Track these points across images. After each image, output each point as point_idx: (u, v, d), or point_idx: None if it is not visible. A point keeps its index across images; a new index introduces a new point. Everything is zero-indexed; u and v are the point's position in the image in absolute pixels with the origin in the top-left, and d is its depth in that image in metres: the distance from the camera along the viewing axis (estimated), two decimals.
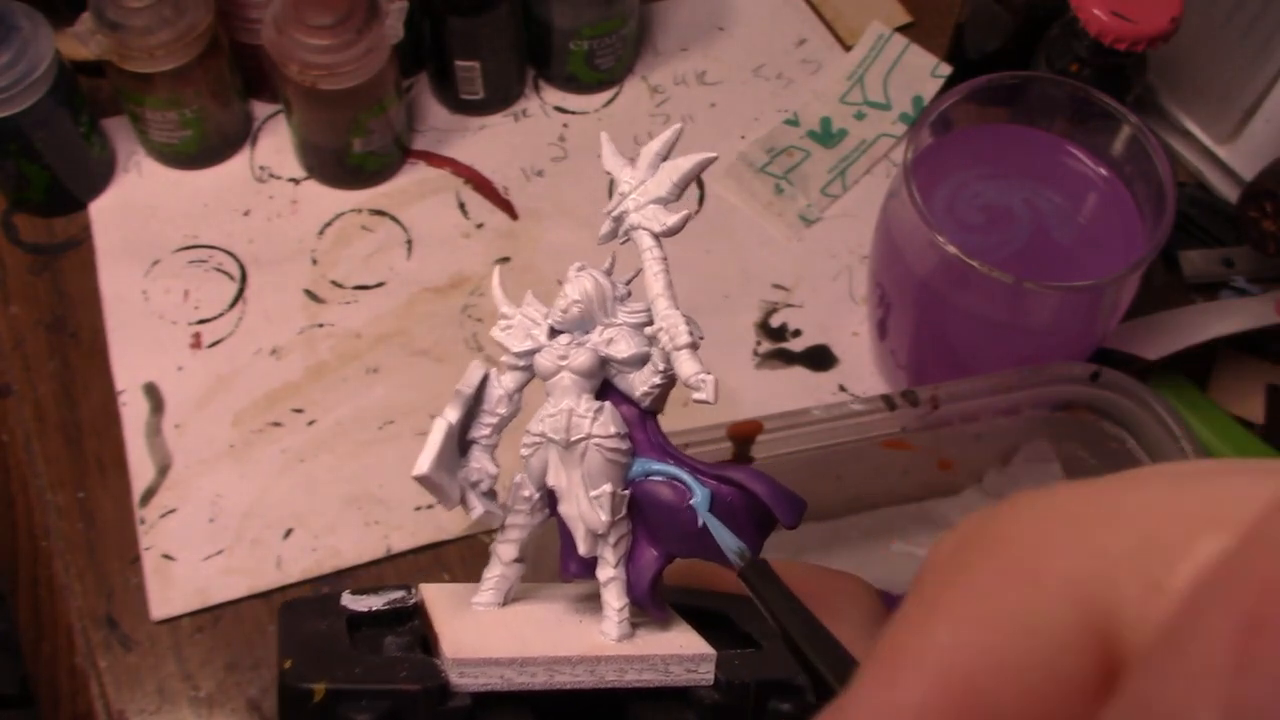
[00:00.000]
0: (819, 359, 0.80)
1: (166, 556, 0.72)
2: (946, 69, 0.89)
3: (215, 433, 0.76)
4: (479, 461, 0.31)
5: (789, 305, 0.82)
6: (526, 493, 0.31)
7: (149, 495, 0.73)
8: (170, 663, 0.69)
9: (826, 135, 0.88)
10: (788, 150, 0.88)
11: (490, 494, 0.32)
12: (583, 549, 0.30)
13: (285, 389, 0.77)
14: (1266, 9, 0.76)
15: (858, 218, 0.84)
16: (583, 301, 0.31)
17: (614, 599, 0.30)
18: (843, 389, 0.79)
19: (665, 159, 0.31)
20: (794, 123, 0.89)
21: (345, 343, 0.79)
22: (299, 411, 0.76)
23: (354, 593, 0.31)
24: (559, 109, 0.90)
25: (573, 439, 0.29)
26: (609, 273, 0.32)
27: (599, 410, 0.30)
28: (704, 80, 0.92)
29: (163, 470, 0.74)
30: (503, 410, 0.32)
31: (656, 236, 0.30)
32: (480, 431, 0.32)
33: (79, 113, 0.80)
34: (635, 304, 0.31)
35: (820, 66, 0.92)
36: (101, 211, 0.84)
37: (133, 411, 0.76)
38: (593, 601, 0.31)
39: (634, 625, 0.30)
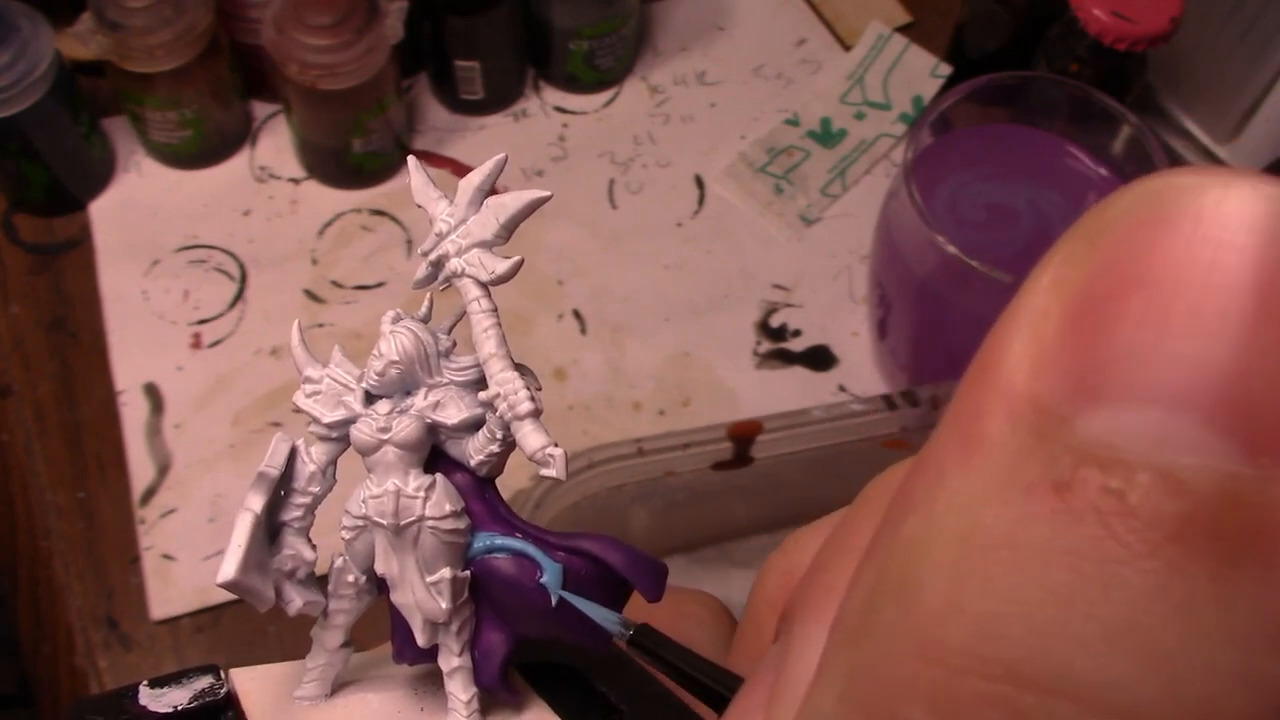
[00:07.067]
0: (819, 359, 0.80)
1: (166, 556, 0.72)
2: (946, 69, 0.89)
3: (215, 433, 0.76)
4: (293, 547, 0.27)
5: (789, 305, 0.82)
6: (351, 577, 0.27)
7: (149, 495, 0.73)
8: (170, 663, 0.69)
9: (826, 135, 0.88)
10: (788, 150, 0.88)
11: (309, 579, 0.28)
12: (422, 640, 0.26)
13: (285, 389, 0.77)
14: (1266, 9, 0.76)
15: (858, 218, 0.84)
16: (402, 362, 0.27)
17: (460, 690, 0.27)
18: (843, 389, 0.79)
19: (489, 194, 0.26)
20: (794, 123, 0.89)
21: (345, 343, 0.79)
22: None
23: (153, 685, 0.27)
24: (559, 109, 0.90)
25: (403, 523, 0.26)
26: (426, 320, 0.28)
27: (430, 487, 0.26)
28: (704, 80, 0.92)
29: (163, 470, 0.74)
30: (315, 488, 0.28)
31: (484, 286, 0.26)
32: (291, 514, 0.28)
33: (79, 113, 0.80)
34: (462, 358, 0.27)
35: (820, 66, 0.92)
36: (101, 211, 0.84)
37: (133, 411, 0.76)
38: (434, 684, 0.28)
39: (484, 714, 0.27)
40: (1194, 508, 0.12)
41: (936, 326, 0.72)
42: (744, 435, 0.62)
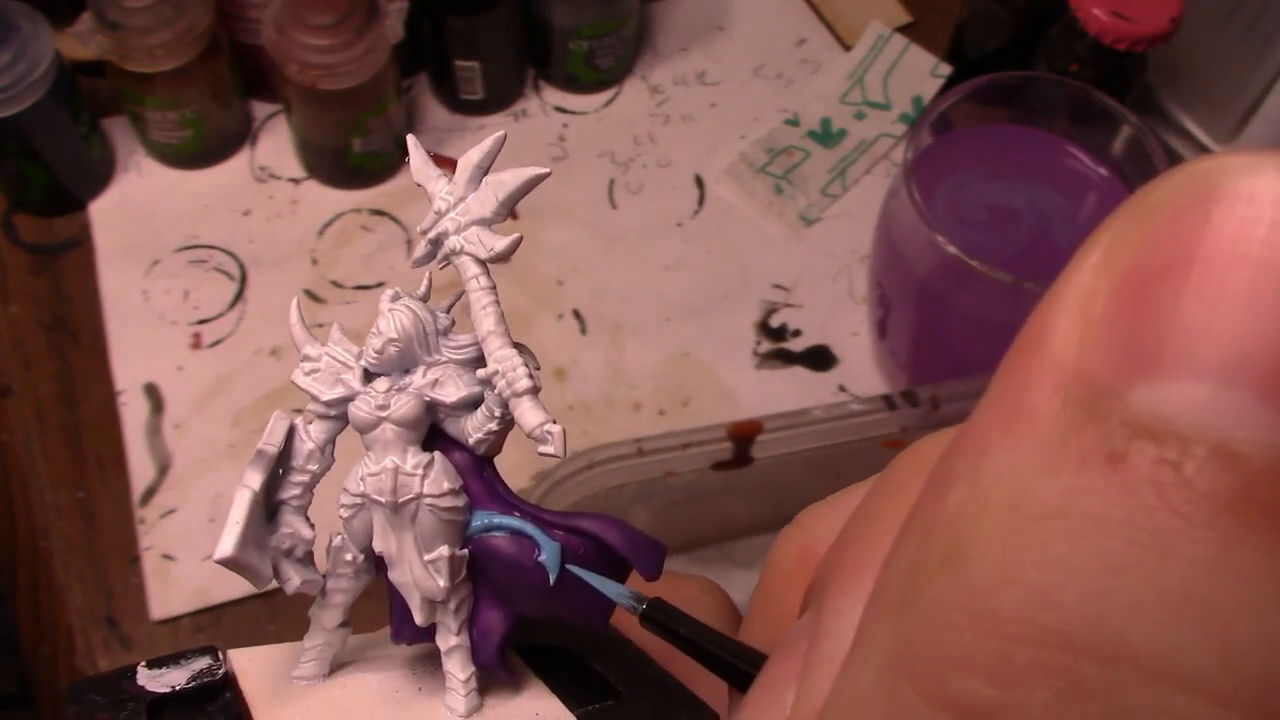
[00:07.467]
0: (819, 359, 0.80)
1: (166, 556, 0.72)
2: (946, 69, 0.89)
3: (215, 433, 0.76)
4: (291, 525, 0.27)
5: (789, 305, 0.82)
6: (349, 556, 0.27)
7: (149, 495, 0.73)
8: None
9: (826, 135, 0.88)
10: (788, 150, 0.88)
11: (307, 558, 0.28)
12: (420, 619, 0.26)
13: (285, 389, 0.77)
14: (1266, 9, 0.76)
15: (858, 218, 0.84)
16: (400, 340, 0.27)
17: (458, 669, 0.27)
18: (843, 389, 0.79)
19: (488, 172, 0.26)
20: (794, 123, 0.89)
21: None
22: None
23: (151, 666, 0.27)
24: (559, 109, 0.90)
25: (401, 500, 0.26)
26: (425, 299, 0.28)
27: (428, 465, 0.26)
28: (704, 80, 0.92)
29: (163, 470, 0.74)
30: (313, 467, 0.28)
31: (483, 263, 0.26)
32: (289, 492, 0.28)
33: (79, 113, 0.80)
34: (461, 336, 0.27)
35: (820, 66, 0.92)
36: (101, 211, 0.84)
37: (133, 411, 0.76)
38: (432, 664, 0.28)
39: (482, 694, 0.27)
40: (1249, 480, 0.12)
41: (936, 326, 0.72)
42: (744, 435, 0.62)
